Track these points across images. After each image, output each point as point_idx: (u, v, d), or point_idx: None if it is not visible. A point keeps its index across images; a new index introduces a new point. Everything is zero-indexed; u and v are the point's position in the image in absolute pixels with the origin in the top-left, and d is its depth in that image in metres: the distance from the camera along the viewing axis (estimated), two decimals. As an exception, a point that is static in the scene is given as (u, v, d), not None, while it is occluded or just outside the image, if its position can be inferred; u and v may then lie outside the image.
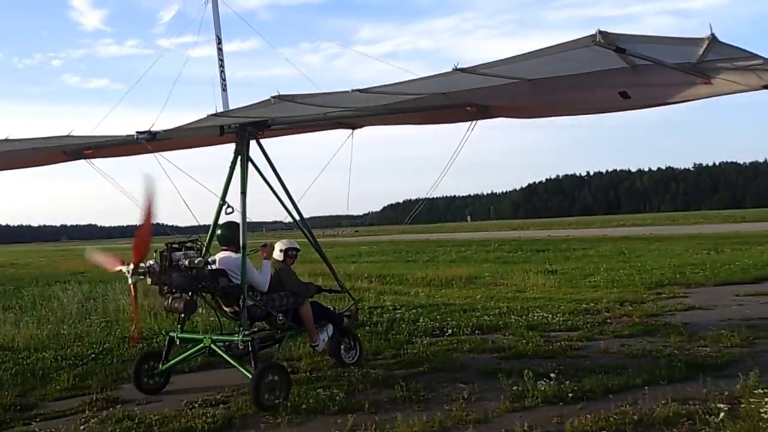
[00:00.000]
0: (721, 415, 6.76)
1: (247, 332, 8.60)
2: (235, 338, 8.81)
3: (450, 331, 12.51)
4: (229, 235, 9.23)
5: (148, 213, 8.33)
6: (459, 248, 42.33)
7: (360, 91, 6.97)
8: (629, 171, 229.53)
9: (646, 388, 7.97)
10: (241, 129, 9.33)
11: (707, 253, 27.45)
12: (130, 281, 8.54)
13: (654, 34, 5.48)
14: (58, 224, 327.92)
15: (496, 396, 7.98)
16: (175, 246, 8.59)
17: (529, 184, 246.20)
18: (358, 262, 35.52)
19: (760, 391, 7.45)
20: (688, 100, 7.67)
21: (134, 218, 8.58)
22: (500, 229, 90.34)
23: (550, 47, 5.62)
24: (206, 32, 10.09)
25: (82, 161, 10.84)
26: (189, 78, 13.03)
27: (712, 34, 5.12)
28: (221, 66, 10.08)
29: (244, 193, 9.21)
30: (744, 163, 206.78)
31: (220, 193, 9.63)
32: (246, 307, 8.73)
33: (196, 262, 8.38)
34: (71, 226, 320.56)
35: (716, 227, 55.12)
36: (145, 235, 8.40)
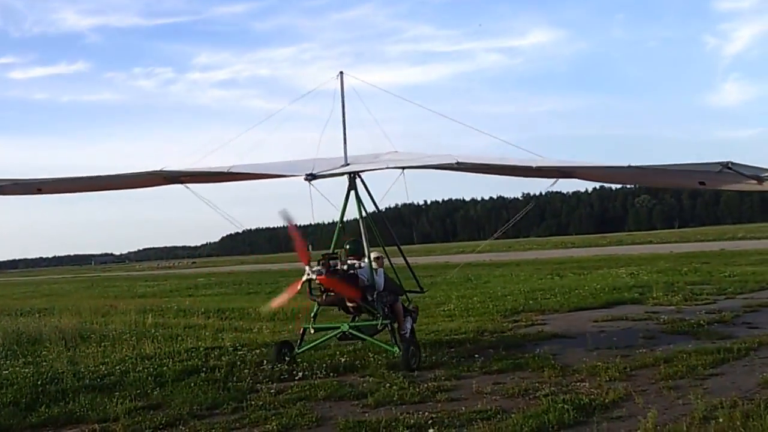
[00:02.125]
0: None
1: (384, 320, 11.50)
2: (375, 322, 11.67)
3: (300, 373, 10.88)
4: (357, 248, 12.13)
5: (295, 232, 11.75)
6: (303, 278, 40.61)
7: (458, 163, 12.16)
8: (464, 200, 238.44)
9: (537, 438, 6.84)
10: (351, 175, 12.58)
11: (551, 278, 27.69)
12: (310, 277, 11.47)
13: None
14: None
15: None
16: (332, 255, 11.83)
17: (371, 213, 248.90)
18: (194, 296, 32.94)
19: (665, 436, 6.50)
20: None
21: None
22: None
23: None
24: None
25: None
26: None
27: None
28: (344, 124, 12.89)
29: (361, 218, 12.47)
30: (567, 192, 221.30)
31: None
32: (372, 301, 11.55)
33: (353, 267, 11.65)
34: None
35: (550, 252, 57.32)
36: (301, 246, 11.74)
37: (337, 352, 12.34)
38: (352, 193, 12.58)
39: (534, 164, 11.34)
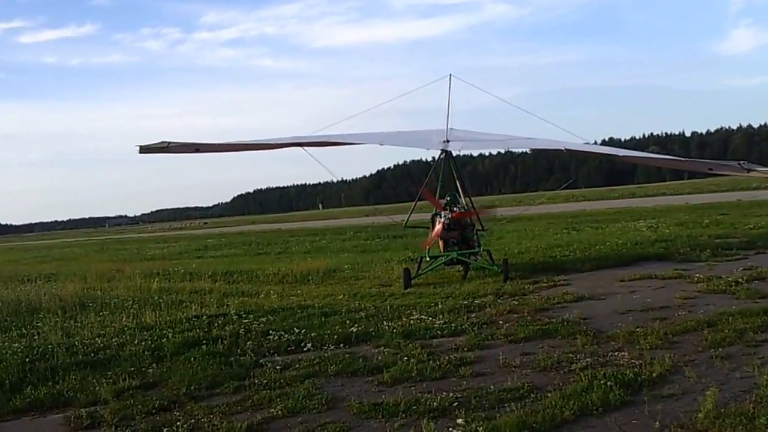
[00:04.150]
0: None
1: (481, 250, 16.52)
2: (476, 251, 16.30)
3: (309, 345, 10.04)
4: (454, 200, 16.76)
5: (428, 192, 16.71)
6: (313, 237, 39.84)
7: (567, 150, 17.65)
8: (471, 156, 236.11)
9: (580, 424, 5.96)
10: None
11: (567, 233, 26.60)
12: (444, 220, 15.60)
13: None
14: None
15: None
16: (449, 204, 16.43)
17: (378, 171, 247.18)
18: (203, 257, 32.21)
19: (730, 420, 5.59)
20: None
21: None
22: (353, 216, 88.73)
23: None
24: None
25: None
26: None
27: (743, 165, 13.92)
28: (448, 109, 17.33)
29: (458, 178, 17.44)
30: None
31: None
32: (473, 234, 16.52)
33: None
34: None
35: (562, 206, 56.14)
36: (436, 201, 16.44)
37: (348, 320, 11.44)
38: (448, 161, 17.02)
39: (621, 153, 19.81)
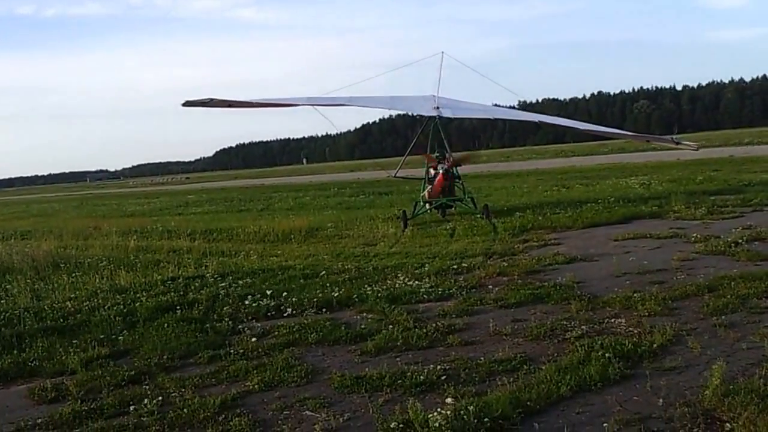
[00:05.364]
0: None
1: (466, 197, 19.56)
2: (462, 198, 19.54)
3: (289, 310, 9.55)
4: (442, 155, 20.01)
5: (456, 160, 20.04)
6: (296, 194, 39.20)
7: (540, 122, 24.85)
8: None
9: (577, 401, 5.53)
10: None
11: (557, 190, 26.13)
12: (441, 171, 18.68)
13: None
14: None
15: (365, 437, 5.20)
16: (437, 160, 19.68)
17: (363, 125, 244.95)
18: (183, 214, 31.55)
19: (740, 398, 5.16)
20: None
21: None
22: (337, 171, 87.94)
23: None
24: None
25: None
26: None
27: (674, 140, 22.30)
28: (439, 83, 20.56)
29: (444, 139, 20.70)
30: (564, 99, 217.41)
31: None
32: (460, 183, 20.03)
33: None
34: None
35: (551, 162, 55.71)
36: (430, 158, 20.07)
37: (330, 283, 10.95)
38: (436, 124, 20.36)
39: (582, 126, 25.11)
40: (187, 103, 16.84)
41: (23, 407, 6.71)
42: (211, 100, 16.66)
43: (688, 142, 22.41)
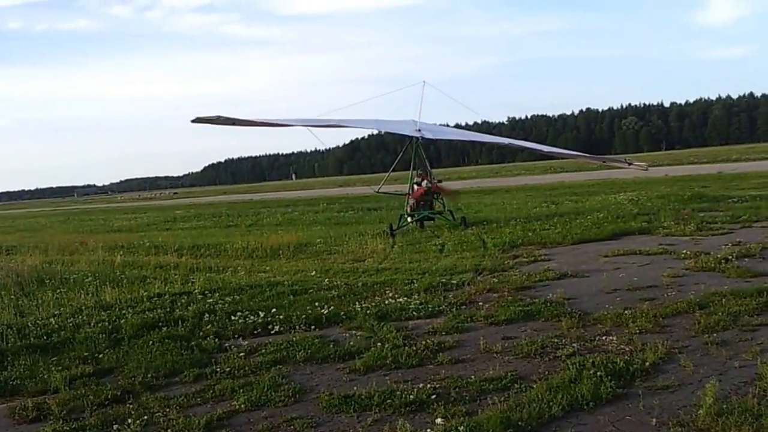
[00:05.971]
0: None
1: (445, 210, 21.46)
2: (441, 211, 21.37)
3: (277, 327, 9.42)
4: (426, 173, 21.71)
5: (443, 188, 22.58)
6: (285, 209, 39.07)
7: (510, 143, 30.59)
8: (447, 124, 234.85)
9: (569, 421, 5.44)
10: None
11: (546, 206, 26.14)
12: (425, 187, 20.80)
13: None
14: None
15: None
16: (420, 177, 21.45)
17: (352, 140, 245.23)
18: (171, 229, 31.38)
19: (734, 418, 5.09)
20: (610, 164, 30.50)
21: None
22: (326, 186, 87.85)
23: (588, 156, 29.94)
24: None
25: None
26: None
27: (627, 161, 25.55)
28: (420, 109, 24.49)
29: (424, 159, 22.36)
30: (553, 116, 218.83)
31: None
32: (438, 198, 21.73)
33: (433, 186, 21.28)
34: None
35: (540, 178, 55.83)
36: (438, 189, 21.83)
37: (318, 300, 10.82)
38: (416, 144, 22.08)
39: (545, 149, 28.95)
40: (197, 120, 17.79)
41: (3, 427, 6.56)
42: (218, 117, 17.79)
43: (638, 163, 25.39)
